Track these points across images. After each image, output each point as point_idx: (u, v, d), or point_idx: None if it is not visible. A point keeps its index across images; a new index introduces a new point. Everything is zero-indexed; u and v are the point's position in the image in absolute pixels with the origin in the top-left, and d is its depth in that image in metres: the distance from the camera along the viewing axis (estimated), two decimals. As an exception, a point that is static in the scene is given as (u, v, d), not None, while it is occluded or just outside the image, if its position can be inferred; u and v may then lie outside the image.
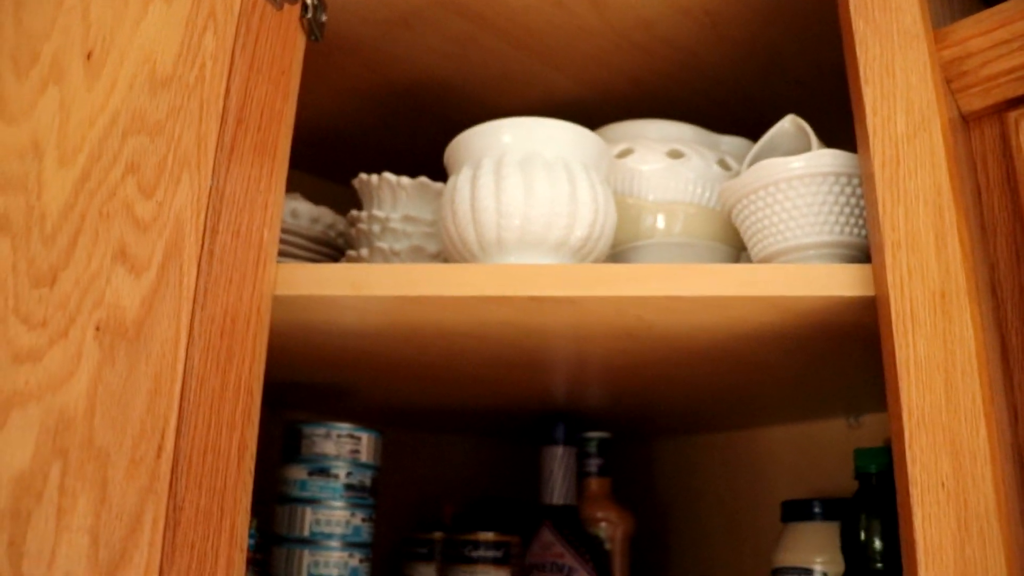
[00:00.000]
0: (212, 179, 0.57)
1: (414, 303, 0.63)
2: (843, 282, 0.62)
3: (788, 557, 0.93)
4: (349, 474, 0.85)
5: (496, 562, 0.97)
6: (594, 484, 1.08)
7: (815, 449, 1.13)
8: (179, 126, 0.57)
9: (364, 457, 0.86)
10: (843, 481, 1.08)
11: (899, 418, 0.57)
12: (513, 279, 0.61)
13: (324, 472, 0.84)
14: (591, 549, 1.00)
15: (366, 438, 0.87)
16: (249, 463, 0.57)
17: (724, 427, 1.21)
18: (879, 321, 0.61)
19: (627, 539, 1.07)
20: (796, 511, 0.95)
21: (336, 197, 1.05)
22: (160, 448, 0.51)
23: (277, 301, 0.63)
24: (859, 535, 0.80)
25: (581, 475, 1.08)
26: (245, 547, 0.56)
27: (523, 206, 0.66)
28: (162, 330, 0.52)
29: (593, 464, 1.09)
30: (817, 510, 0.93)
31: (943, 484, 0.55)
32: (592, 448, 1.09)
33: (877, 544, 0.79)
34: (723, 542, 1.20)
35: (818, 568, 0.90)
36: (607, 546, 1.05)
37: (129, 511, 0.50)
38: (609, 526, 1.06)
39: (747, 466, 1.20)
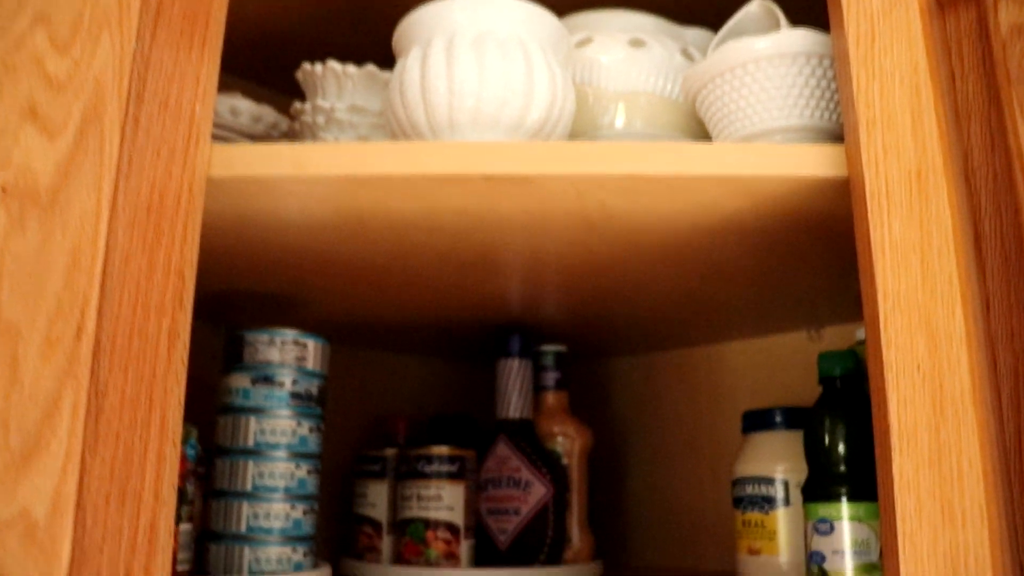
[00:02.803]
0: (136, 43, 0.52)
1: (360, 185, 0.59)
2: (816, 161, 0.59)
3: (749, 467, 0.91)
4: (295, 382, 0.81)
5: (451, 476, 0.95)
6: (551, 398, 1.05)
7: (775, 363, 1.11)
8: (97, -19, 0.51)
9: (310, 364, 0.82)
10: (804, 395, 1.06)
11: (873, 301, 0.54)
12: (466, 155, 0.57)
13: (268, 380, 0.80)
14: (548, 463, 0.97)
15: (312, 345, 0.82)
16: (181, 353, 0.53)
17: (683, 343, 1.19)
18: (853, 203, 0.58)
19: (585, 454, 1.04)
20: (757, 421, 0.93)
21: (280, 106, 1.00)
22: (80, 329, 0.47)
23: (213, 185, 0.59)
24: (823, 440, 0.78)
25: (537, 389, 1.05)
26: (178, 442, 0.52)
27: (476, 85, 0.62)
28: (81, 200, 0.48)
29: (549, 378, 1.05)
30: (778, 419, 0.91)
31: (918, 367, 0.53)
32: (548, 361, 1.06)
33: (841, 448, 0.77)
34: (682, 458, 1.19)
35: (779, 477, 0.89)
36: (564, 461, 1.02)
37: (44, 394, 0.45)
38: (566, 440, 1.03)
39: (706, 383, 1.18)
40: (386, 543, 0.99)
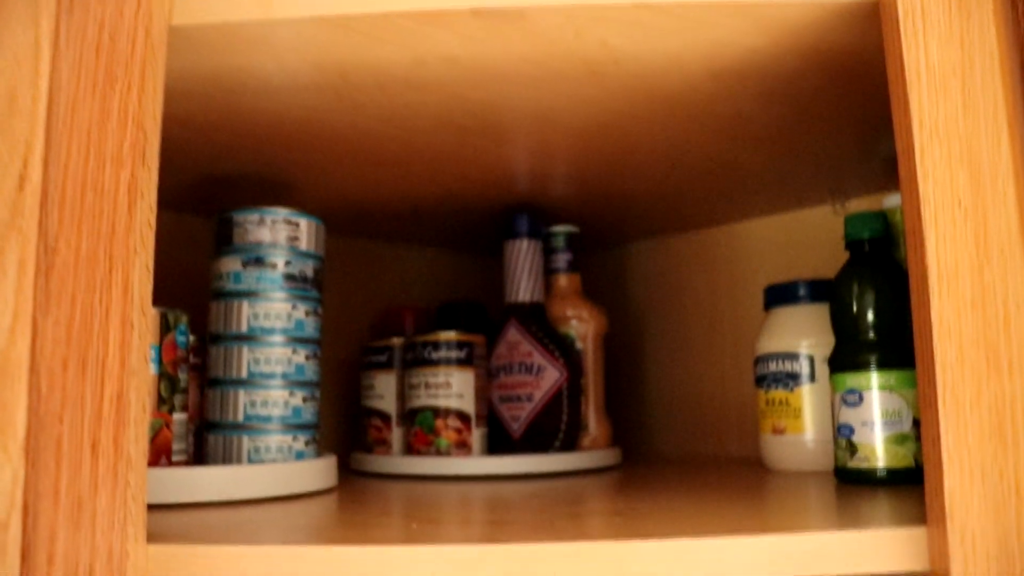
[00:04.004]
0: None
1: (335, 29, 0.54)
2: (841, -19, 0.53)
3: (772, 343, 0.86)
4: (288, 263, 0.76)
5: (460, 363, 0.90)
6: (563, 281, 1.00)
7: (798, 240, 1.06)
8: None
9: (304, 245, 0.78)
10: (829, 273, 1.01)
11: (908, 131, 0.49)
12: (450, -14, 0.51)
13: (260, 262, 0.76)
14: (561, 347, 0.93)
15: (305, 224, 0.78)
16: (147, 214, 0.48)
17: (701, 223, 1.13)
18: (883, 28, 0.52)
19: (600, 338, 1.00)
20: (780, 295, 0.88)
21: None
22: (23, 178, 0.42)
23: (178, 36, 0.54)
24: (850, 306, 0.73)
25: (548, 272, 1.00)
26: (148, 310, 0.48)
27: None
28: (12, 34, 0.43)
29: (561, 260, 1.00)
30: (802, 292, 0.86)
31: (959, 202, 0.48)
32: (559, 243, 1.01)
33: (870, 315, 0.73)
34: (702, 343, 1.14)
35: (804, 352, 0.84)
36: (578, 345, 0.98)
37: (-15, 248, 0.41)
38: (580, 324, 0.99)
39: (726, 264, 1.13)
40: (396, 435, 0.96)
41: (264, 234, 0.76)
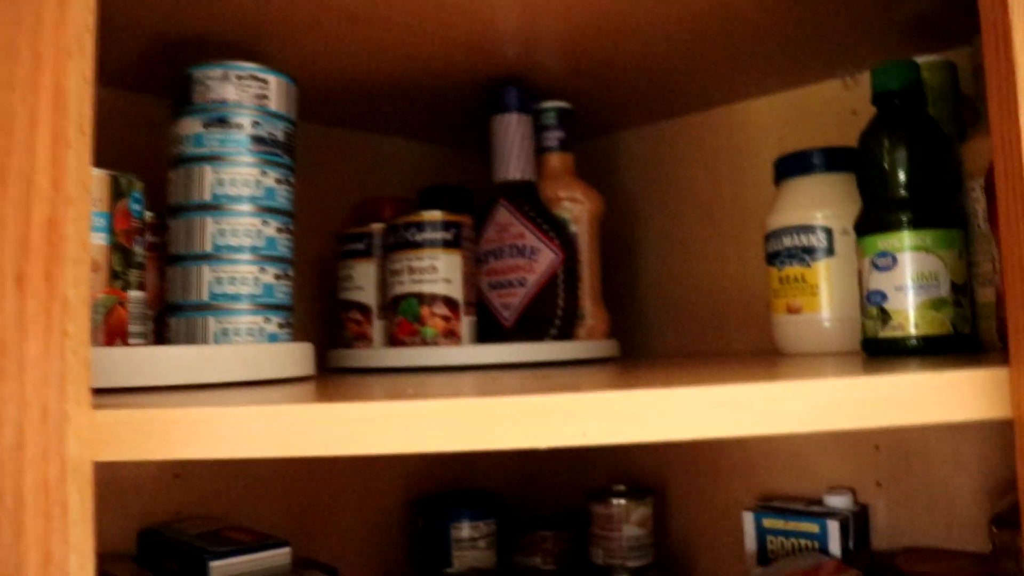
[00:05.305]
0: None
1: None
2: None
3: (785, 216, 0.80)
4: (256, 124, 0.68)
5: (446, 244, 0.83)
6: (554, 160, 0.93)
7: (806, 120, 0.99)
8: None
9: (274, 105, 0.69)
10: (838, 151, 0.94)
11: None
12: None
13: (224, 122, 0.67)
14: (555, 227, 0.86)
15: (275, 81, 0.70)
16: (84, 14, 0.40)
17: (700, 105, 1.05)
18: None
19: (596, 221, 0.92)
20: (793, 165, 0.81)
21: None
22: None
23: None
24: (881, 162, 0.66)
25: (539, 152, 0.93)
26: (87, 129, 0.40)
27: None
28: None
29: (552, 138, 0.93)
30: (817, 161, 0.80)
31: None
32: (550, 119, 0.93)
33: (901, 172, 0.66)
34: (703, 235, 1.07)
35: (820, 224, 0.77)
36: (573, 228, 0.91)
37: None
38: (574, 205, 0.91)
39: (727, 149, 1.05)
40: (377, 328, 0.89)
41: (228, 91, 0.68)
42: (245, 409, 0.41)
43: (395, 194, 1.10)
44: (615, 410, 0.39)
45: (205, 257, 0.67)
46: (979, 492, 0.84)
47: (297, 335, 0.99)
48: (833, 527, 0.86)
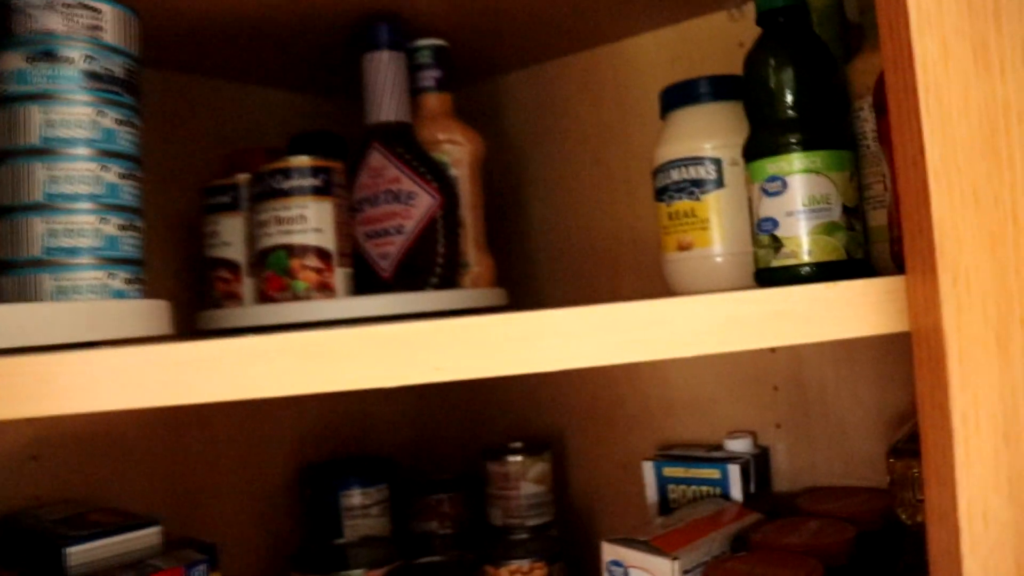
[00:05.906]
0: None
1: None
2: None
3: (673, 148, 0.76)
4: (89, 58, 0.61)
5: (316, 192, 0.77)
6: (432, 101, 0.87)
7: (692, 54, 0.95)
8: None
9: (110, 38, 0.62)
10: (726, 86, 0.91)
11: None
12: None
13: (51, 55, 0.60)
14: (433, 171, 0.80)
15: (111, 11, 0.62)
16: None
17: (582, 44, 1.01)
18: None
19: (477, 164, 0.87)
20: (679, 95, 0.77)
21: None
22: None
23: None
24: (767, 83, 0.63)
25: (415, 93, 0.87)
26: None
27: None
28: None
29: (429, 77, 0.87)
30: (704, 89, 0.76)
31: None
32: (426, 58, 0.87)
33: (789, 93, 0.62)
34: (592, 179, 1.03)
35: (709, 155, 0.74)
36: (452, 171, 0.85)
37: None
38: (454, 147, 0.86)
39: (613, 87, 1.01)
40: (248, 286, 0.83)
41: (55, 22, 0.61)
42: (96, 353, 0.35)
43: (266, 140, 1.03)
44: (469, 338, 0.34)
45: (36, 207, 0.60)
46: (877, 427, 0.83)
47: (162, 298, 0.92)
48: (734, 472, 0.84)
